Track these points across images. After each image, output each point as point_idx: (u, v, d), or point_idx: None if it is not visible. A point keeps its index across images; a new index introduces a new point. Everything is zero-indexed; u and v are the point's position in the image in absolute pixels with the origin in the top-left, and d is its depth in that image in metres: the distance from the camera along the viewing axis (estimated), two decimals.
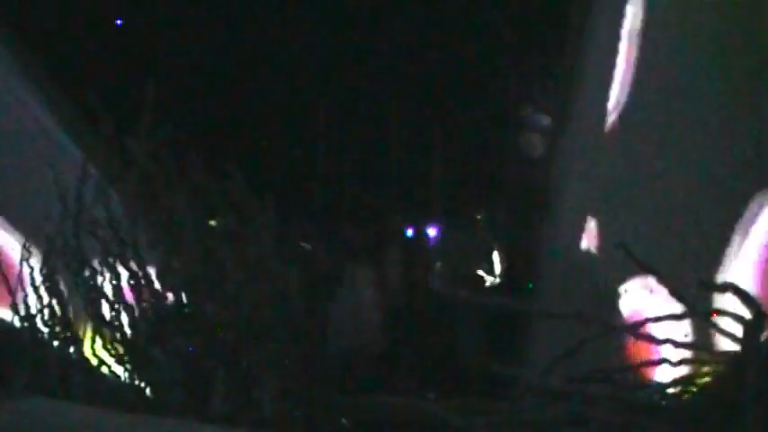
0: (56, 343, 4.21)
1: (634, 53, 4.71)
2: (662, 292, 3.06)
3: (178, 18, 8.19)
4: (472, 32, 8.68)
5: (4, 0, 5.73)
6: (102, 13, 8.15)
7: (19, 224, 5.14)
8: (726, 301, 2.93)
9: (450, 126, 9.10)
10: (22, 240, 4.56)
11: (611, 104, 4.92)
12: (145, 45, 8.02)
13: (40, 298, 4.24)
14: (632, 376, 3.20)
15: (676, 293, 3.00)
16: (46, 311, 4.22)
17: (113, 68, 7.51)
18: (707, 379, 2.91)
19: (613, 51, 4.91)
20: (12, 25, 5.71)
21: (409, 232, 8.39)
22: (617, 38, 4.87)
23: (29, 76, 5.68)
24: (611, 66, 4.94)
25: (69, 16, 7.64)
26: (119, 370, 4.10)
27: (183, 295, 4.05)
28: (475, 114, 8.97)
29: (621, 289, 4.12)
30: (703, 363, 2.97)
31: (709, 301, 3.07)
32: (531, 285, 6.91)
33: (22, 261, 4.39)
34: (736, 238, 3.49)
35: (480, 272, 7.37)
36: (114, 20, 8.39)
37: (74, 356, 4.17)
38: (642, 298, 3.81)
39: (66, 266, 4.18)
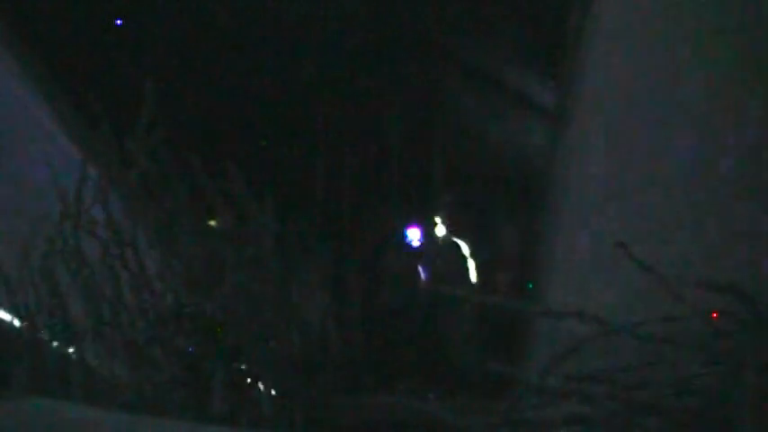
0: (56, 343, 4.21)
1: (635, 49, 4.70)
2: (662, 291, 3.06)
3: (178, 18, 8.19)
4: (471, 30, 8.68)
5: (4, 0, 5.73)
6: (102, 13, 8.14)
7: (19, 224, 5.13)
8: (726, 300, 2.93)
9: (447, 125, 9.08)
10: (22, 240, 4.55)
11: (611, 103, 4.91)
12: (145, 45, 8.02)
13: (39, 298, 4.24)
14: (632, 376, 3.20)
15: (676, 293, 3.00)
16: (46, 311, 4.23)
17: (113, 68, 7.50)
18: (707, 379, 2.91)
19: (614, 48, 4.91)
20: (12, 25, 5.70)
21: (408, 232, 8.38)
22: (618, 35, 4.86)
23: (29, 76, 5.68)
24: (612, 63, 4.93)
25: (69, 16, 7.63)
26: (119, 370, 4.10)
27: (183, 295, 4.05)
28: (474, 113, 8.96)
29: (621, 288, 4.12)
30: (703, 363, 2.97)
31: (709, 301, 3.07)
32: (530, 285, 6.91)
33: (22, 260, 4.39)
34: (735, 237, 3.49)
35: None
36: (114, 20, 8.38)
37: (74, 356, 4.17)
38: (642, 298, 3.81)
39: (66, 266, 4.18)
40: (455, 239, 7.65)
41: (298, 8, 8.59)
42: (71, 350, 4.19)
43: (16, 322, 4.30)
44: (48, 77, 5.79)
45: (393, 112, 9.19)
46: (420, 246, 8.19)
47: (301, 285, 4.28)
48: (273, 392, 3.90)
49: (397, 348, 6.97)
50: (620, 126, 4.82)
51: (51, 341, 4.22)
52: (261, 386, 3.93)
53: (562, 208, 5.67)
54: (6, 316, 4.40)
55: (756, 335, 2.77)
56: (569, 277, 5.17)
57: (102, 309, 4.10)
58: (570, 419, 2.88)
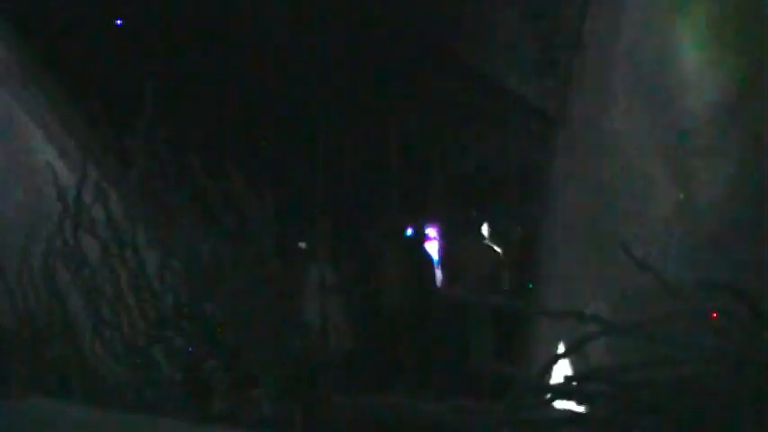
0: (56, 343, 4.21)
1: (633, 52, 4.71)
2: (661, 291, 3.06)
3: (178, 18, 8.19)
4: (470, 30, 8.68)
5: (4, 0, 5.73)
6: (103, 13, 8.15)
7: (19, 224, 5.13)
8: (726, 301, 2.92)
9: (446, 126, 9.09)
10: (22, 240, 4.55)
11: (610, 104, 4.92)
12: (145, 45, 8.02)
13: (39, 298, 4.24)
14: (632, 376, 3.20)
15: (676, 293, 3.00)
16: (46, 311, 4.22)
17: (113, 68, 7.50)
18: (707, 379, 2.91)
19: (613, 50, 4.91)
20: (11, 24, 5.70)
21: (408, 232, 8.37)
22: (617, 36, 4.87)
23: (29, 76, 5.67)
24: (611, 64, 4.93)
25: (69, 16, 7.64)
26: (119, 370, 4.10)
27: (183, 295, 4.05)
28: (472, 114, 8.97)
29: (621, 289, 4.12)
30: (703, 363, 2.97)
31: (709, 301, 3.07)
32: (530, 285, 6.91)
33: (21, 260, 4.39)
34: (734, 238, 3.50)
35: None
36: (114, 20, 8.38)
37: (74, 356, 4.17)
38: (641, 297, 3.81)
39: (66, 266, 4.18)
40: (488, 243, 7.62)
41: (299, 9, 8.60)
42: (71, 350, 4.19)
43: (16, 322, 4.31)
44: (47, 77, 5.79)
45: (395, 113, 9.20)
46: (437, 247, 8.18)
47: (301, 285, 4.29)
48: (273, 393, 3.90)
49: (398, 348, 6.98)
50: (618, 128, 4.82)
51: (51, 341, 4.22)
52: (261, 386, 3.93)
53: (562, 208, 5.66)
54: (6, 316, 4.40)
55: (756, 335, 2.77)
56: (569, 277, 5.17)
57: (102, 309, 4.10)
58: (570, 419, 2.88)
